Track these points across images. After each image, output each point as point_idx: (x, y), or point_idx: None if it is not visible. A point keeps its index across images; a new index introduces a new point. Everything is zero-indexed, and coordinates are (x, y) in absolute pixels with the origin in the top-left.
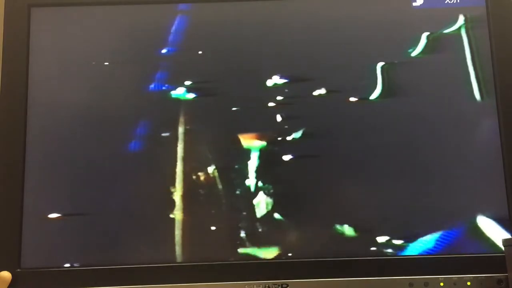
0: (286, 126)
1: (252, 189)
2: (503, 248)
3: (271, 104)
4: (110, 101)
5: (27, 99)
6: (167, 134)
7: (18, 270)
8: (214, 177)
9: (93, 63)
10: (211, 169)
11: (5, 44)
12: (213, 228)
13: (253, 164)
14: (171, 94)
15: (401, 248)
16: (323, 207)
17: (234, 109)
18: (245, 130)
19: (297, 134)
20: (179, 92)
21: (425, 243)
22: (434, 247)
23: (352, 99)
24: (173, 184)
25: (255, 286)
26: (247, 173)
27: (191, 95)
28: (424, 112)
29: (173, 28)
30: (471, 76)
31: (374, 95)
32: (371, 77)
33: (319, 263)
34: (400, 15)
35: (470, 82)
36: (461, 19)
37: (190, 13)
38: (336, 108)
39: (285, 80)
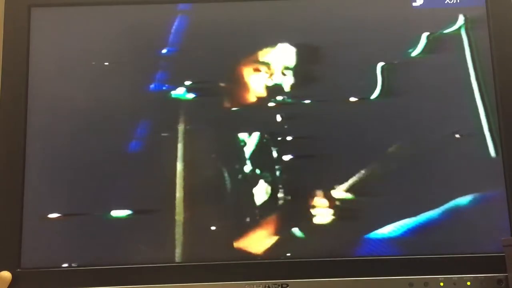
0: (286, 126)
1: (252, 189)
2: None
3: (271, 104)
4: (110, 101)
5: (27, 99)
6: (167, 134)
7: (18, 270)
8: (213, 177)
9: (93, 63)
10: (210, 169)
11: (5, 44)
12: (213, 228)
13: (252, 164)
14: (171, 94)
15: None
16: (323, 206)
17: (234, 109)
18: (245, 130)
19: (297, 134)
20: (179, 92)
21: (424, 242)
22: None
23: (352, 99)
24: (173, 184)
25: (255, 286)
26: (247, 173)
27: (191, 95)
28: (424, 112)
29: (173, 28)
30: (471, 76)
31: (374, 95)
32: (371, 77)
33: (319, 263)
34: (400, 15)
35: (470, 82)
36: (461, 19)
37: (190, 13)
38: (336, 108)
39: (285, 80)
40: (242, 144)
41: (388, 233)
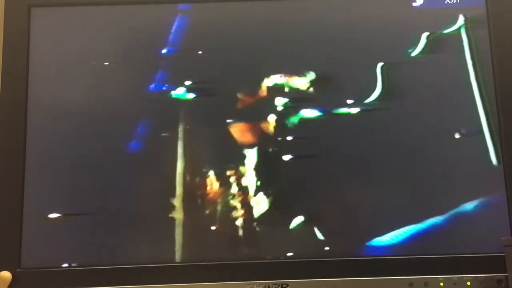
0: (287, 126)
1: (252, 189)
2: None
3: (271, 104)
4: (110, 101)
5: (27, 99)
6: (167, 134)
7: (18, 270)
8: (214, 177)
9: (93, 63)
10: (210, 169)
11: (5, 44)
12: (213, 228)
13: (252, 164)
14: (171, 94)
15: (399, 248)
16: (323, 206)
17: (234, 109)
18: (245, 130)
19: (297, 135)
20: (179, 92)
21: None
22: (434, 244)
23: (352, 99)
24: (173, 184)
25: (255, 286)
26: (247, 173)
27: (191, 95)
28: (424, 112)
29: (173, 28)
30: (471, 76)
31: (373, 95)
32: (371, 77)
33: (319, 263)
34: (400, 15)
35: (469, 82)
36: (461, 19)
37: (190, 13)
38: (336, 108)
39: (285, 80)
40: (242, 144)
41: (389, 240)
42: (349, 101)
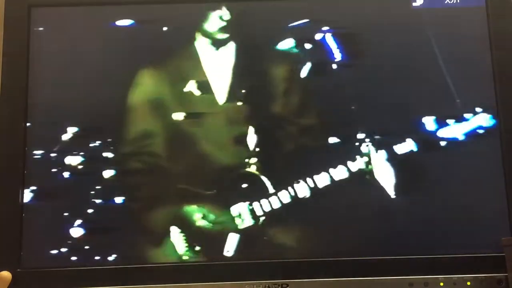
0: (275, 120)
1: (253, 188)
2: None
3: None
4: (110, 101)
5: (27, 99)
6: (166, 134)
7: (18, 270)
8: (214, 177)
9: (93, 63)
10: (211, 169)
11: (5, 44)
12: (212, 227)
13: (253, 163)
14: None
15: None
16: (324, 206)
17: (228, 103)
18: (242, 126)
19: (292, 129)
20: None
21: (424, 241)
22: (434, 244)
23: (352, 99)
24: (173, 184)
25: (255, 286)
26: (247, 173)
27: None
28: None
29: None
30: (471, 75)
31: (373, 98)
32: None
33: (319, 263)
34: (400, 15)
35: (470, 82)
36: (461, 19)
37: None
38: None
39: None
40: (240, 142)
41: (387, 233)
42: (350, 108)
